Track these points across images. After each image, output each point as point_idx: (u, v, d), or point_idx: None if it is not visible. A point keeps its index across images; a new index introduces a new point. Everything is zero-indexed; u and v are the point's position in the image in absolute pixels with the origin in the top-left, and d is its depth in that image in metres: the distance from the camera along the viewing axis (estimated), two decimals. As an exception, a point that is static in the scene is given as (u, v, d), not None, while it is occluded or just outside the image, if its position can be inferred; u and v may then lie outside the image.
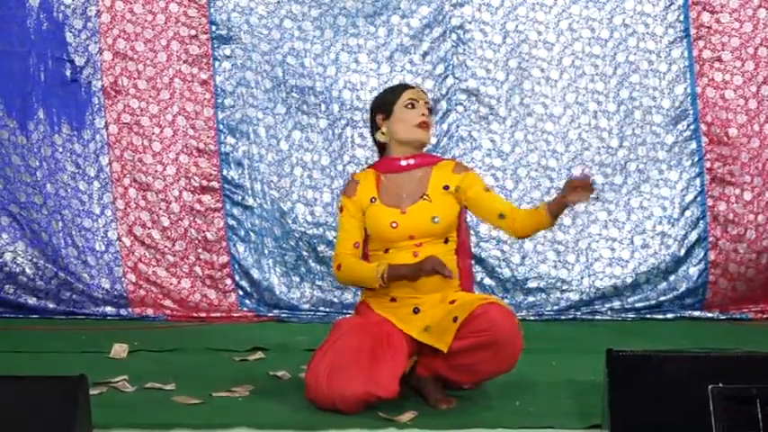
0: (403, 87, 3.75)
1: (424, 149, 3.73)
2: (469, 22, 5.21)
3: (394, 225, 3.58)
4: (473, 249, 5.19)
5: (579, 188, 3.43)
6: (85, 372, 3.08)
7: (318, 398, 3.51)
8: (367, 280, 3.59)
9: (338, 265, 3.65)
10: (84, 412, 3.02)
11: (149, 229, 5.18)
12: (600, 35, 5.23)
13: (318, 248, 5.20)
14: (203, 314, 5.15)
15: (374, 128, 3.72)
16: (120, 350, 4.36)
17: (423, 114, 3.65)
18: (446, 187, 3.64)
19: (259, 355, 4.37)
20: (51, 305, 5.14)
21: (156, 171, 5.19)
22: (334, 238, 5.17)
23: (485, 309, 3.44)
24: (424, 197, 3.62)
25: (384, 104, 3.70)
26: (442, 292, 3.58)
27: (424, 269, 3.52)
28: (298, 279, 5.20)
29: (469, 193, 3.64)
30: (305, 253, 5.20)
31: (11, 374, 3.38)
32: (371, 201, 3.64)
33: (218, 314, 5.16)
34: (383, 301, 3.64)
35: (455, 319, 3.46)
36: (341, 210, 3.70)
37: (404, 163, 3.66)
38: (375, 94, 5.16)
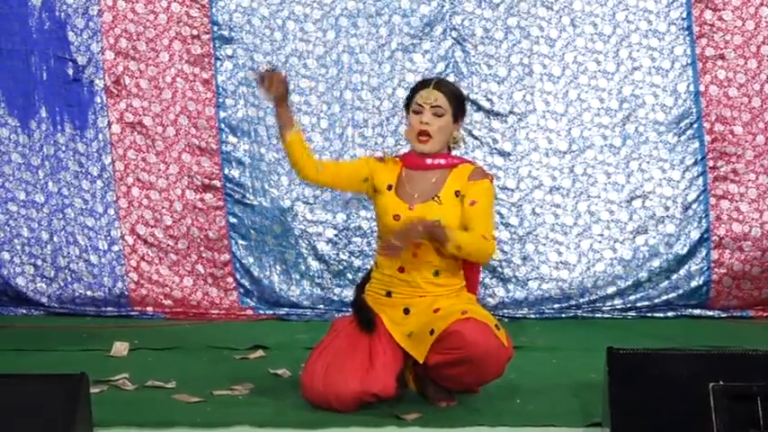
0: (420, 86, 3.63)
1: (453, 151, 3.66)
2: (470, 19, 5.20)
3: (396, 218, 3.55)
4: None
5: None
6: (86, 370, 3.10)
7: (314, 398, 3.50)
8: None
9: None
10: (84, 410, 3.03)
11: (152, 227, 5.18)
12: (602, 31, 5.21)
13: (318, 246, 5.19)
14: (204, 312, 5.15)
15: None
16: (120, 348, 4.36)
17: (424, 123, 3.55)
18: (457, 193, 3.57)
19: (259, 353, 4.37)
20: (52, 304, 5.14)
21: (159, 170, 5.19)
22: (335, 236, 5.22)
23: (459, 326, 3.39)
24: (435, 199, 3.56)
25: (407, 102, 3.66)
26: (431, 297, 3.54)
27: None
28: (298, 277, 5.20)
29: (463, 201, 3.57)
30: (305, 251, 5.19)
31: (12, 372, 3.40)
32: (388, 188, 3.61)
33: (219, 312, 5.16)
34: (379, 296, 3.62)
35: (432, 332, 3.44)
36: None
37: (429, 162, 3.59)
38: (376, 93, 5.23)
